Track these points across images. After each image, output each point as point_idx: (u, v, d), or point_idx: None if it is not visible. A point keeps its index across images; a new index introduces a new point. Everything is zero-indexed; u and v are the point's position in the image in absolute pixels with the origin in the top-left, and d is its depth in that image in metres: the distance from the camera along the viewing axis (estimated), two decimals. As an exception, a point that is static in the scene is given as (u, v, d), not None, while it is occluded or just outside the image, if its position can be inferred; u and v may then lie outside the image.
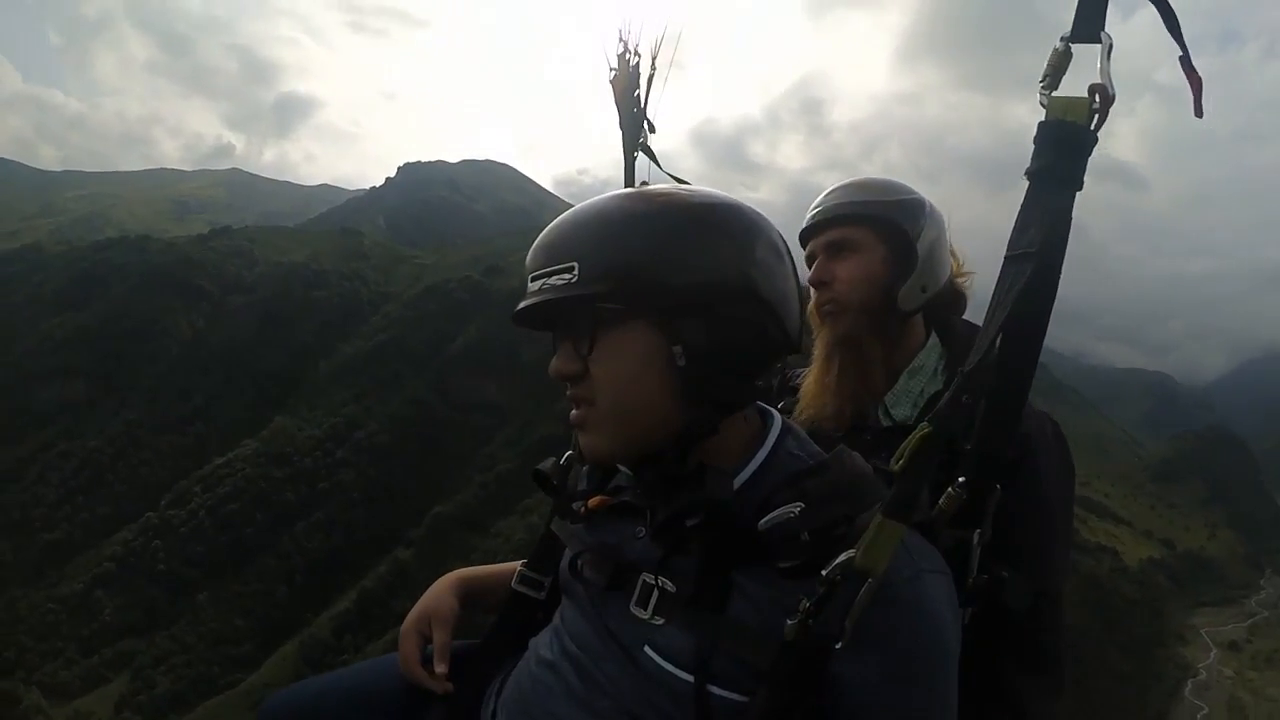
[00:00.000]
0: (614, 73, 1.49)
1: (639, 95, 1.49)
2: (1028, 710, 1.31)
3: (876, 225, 1.54)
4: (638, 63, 1.46)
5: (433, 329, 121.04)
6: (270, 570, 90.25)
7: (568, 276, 0.95)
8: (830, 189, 1.62)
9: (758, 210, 1.03)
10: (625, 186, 1.36)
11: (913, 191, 1.58)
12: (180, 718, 70.26)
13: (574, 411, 1.03)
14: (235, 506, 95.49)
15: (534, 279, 0.99)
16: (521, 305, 1.00)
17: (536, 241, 1.01)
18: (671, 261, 0.94)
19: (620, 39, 1.45)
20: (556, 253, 0.98)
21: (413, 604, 1.38)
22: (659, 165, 1.53)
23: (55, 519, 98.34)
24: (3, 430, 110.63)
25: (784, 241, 1.05)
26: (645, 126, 1.51)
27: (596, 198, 1.03)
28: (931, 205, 1.58)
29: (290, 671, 72.82)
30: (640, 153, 1.52)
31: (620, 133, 1.52)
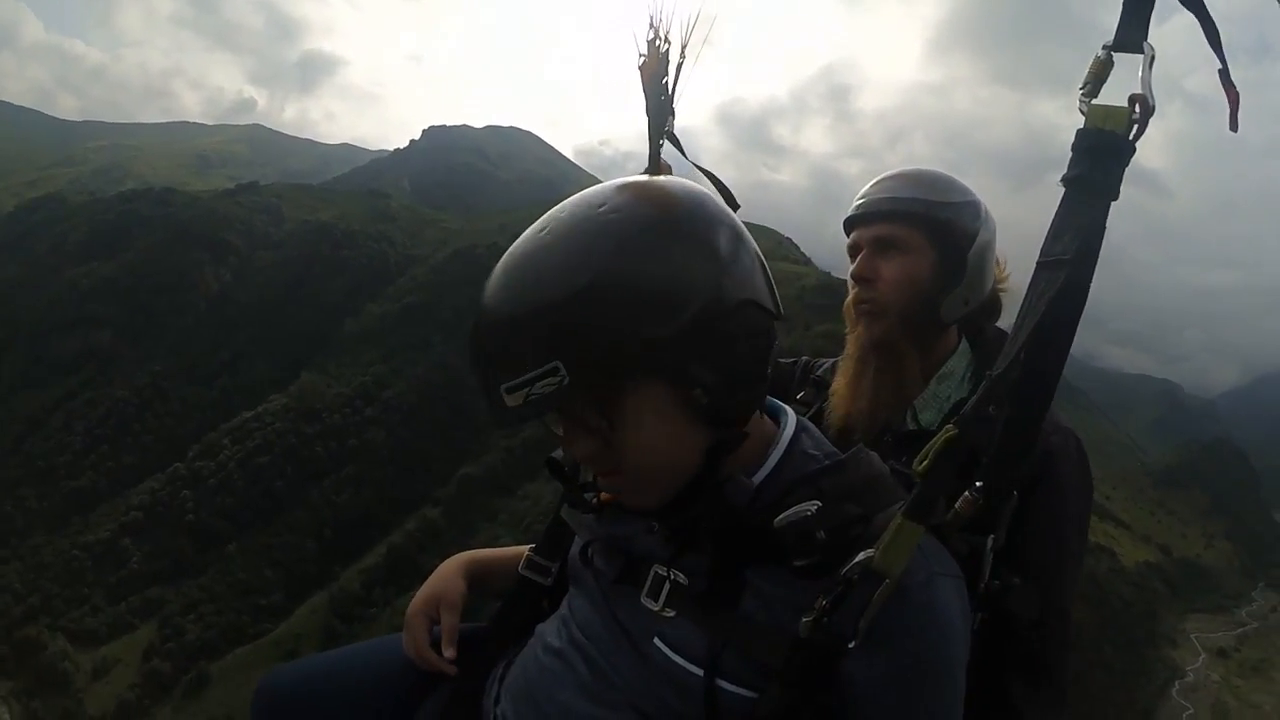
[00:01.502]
0: (643, 59, 1.45)
1: (667, 82, 1.46)
2: None
3: (930, 228, 1.47)
4: (668, 49, 1.43)
5: (461, 294, 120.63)
6: (300, 524, 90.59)
7: (555, 381, 0.86)
8: (883, 177, 1.55)
9: (704, 196, 0.99)
10: (649, 173, 1.34)
11: (969, 192, 1.51)
12: (210, 665, 71.04)
13: (603, 480, 1.03)
14: (265, 460, 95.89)
15: (510, 389, 0.88)
16: (512, 420, 0.90)
17: (488, 329, 0.91)
18: (657, 315, 0.87)
19: (651, 25, 1.42)
20: (529, 354, 0.87)
21: (441, 561, 1.39)
22: (684, 153, 1.50)
23: (80, 467, 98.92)
24: (26, 377, 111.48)
25: (734, 218, 1.00)
26: (671, 113, 1.49)
27: (538, 236, 0.94)
28: (986, 209, 1.53)
29: (320, 622, 74.35)
30: (665, 140, 1.50)
31: (646, 119, 1.49)
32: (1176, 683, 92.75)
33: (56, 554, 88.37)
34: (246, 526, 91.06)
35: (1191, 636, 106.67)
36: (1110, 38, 0.92)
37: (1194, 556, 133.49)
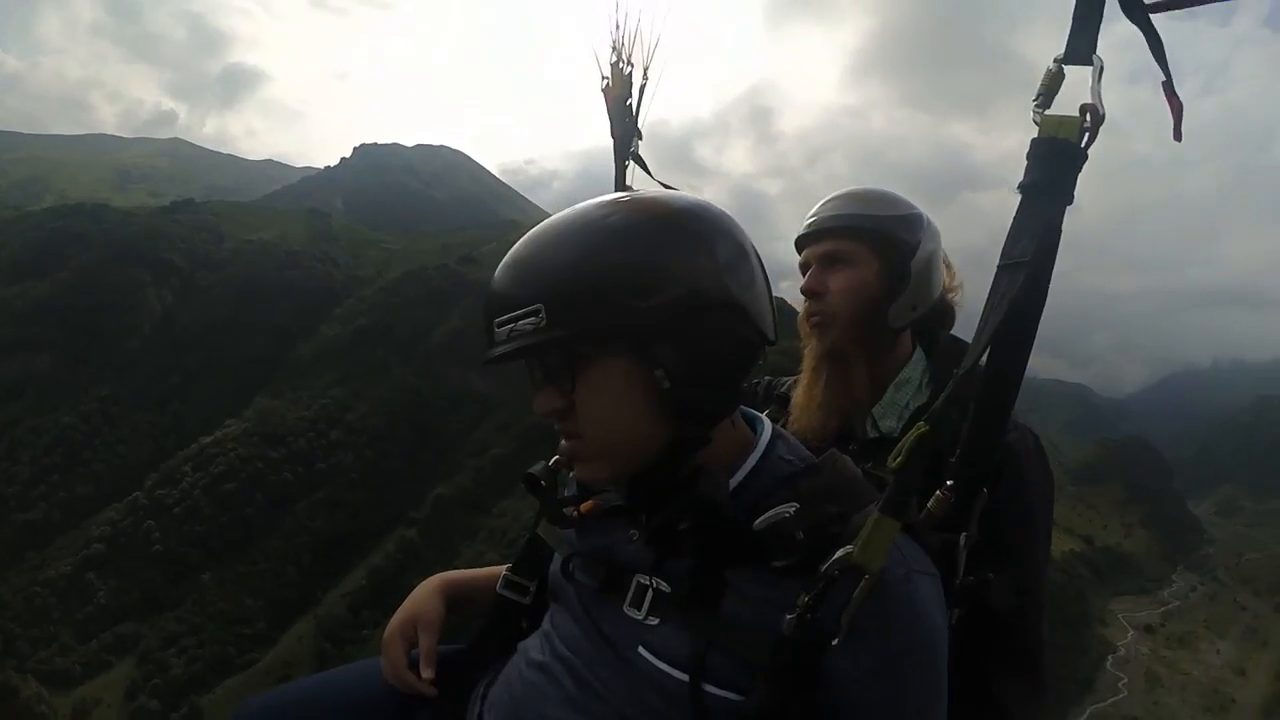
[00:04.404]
0: (607, 82, 1.48)
1: (631, 105, 1.49)
2: (1012, 713, 1.33)
3: (872, 240, 1.54)
4: (630, 72, 1.45)
5: (414, 315, 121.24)
6: (275, 550, 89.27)
7: (534, 320, 0.94)
8: (828, 198, 1.63)
9: (719, 209, 1.03)
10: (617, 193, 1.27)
11: (911, 206, 1.59)
12: (201, 699, 69.25)
13: (563, 443, 1.04)
14: (232, 486, 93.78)
15: (499, 323, 0.97)
16: (494, 354, 0.98)
17: (495, 277, 1.00)
18: (638, 288, 0.93)
19: (614, 49, 1.44)
20: (519, 295, 0.96)
21: (423, 581, 1.41)
22: (649, 173, 1.54)
23: (30, 498, 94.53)
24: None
25: (747, 237, 1.04)
26: (636, 135, 1.52)
27: (552, 218, 1.02)
28: (929, 220, 1.59)
29: (310, 647, 73.99)
30: (630, 161, 1.53)
31: (611, 141, 1.52)
32: (1110, 657, 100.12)
33: (14, 591, 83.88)
34: (219, 555, 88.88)
35: (1119, 616, 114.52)
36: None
37: (1115, 545, 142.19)
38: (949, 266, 1.66)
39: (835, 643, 0.87)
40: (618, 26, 1.51)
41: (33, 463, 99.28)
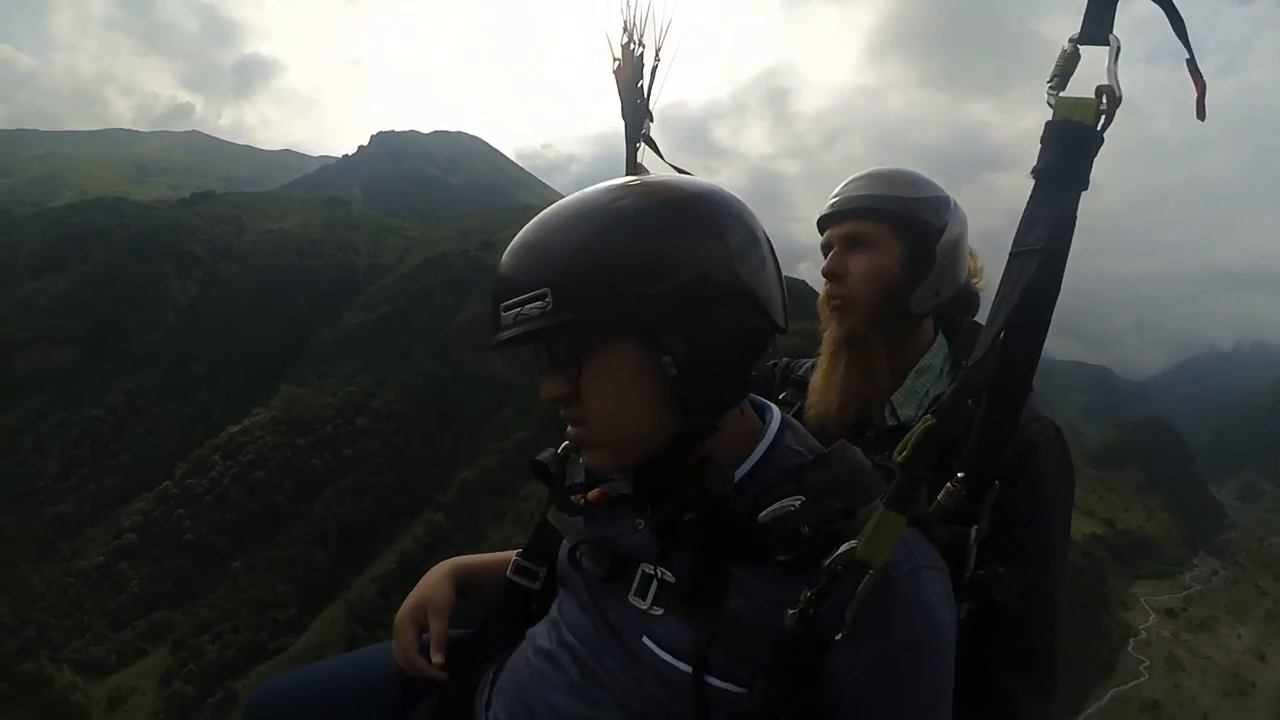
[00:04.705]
0: (617, 63, 1.47)
1: (642, 86, 1.48)
2: (1019, 712, 1.30)
3: (896, 223, 1.49)
4: (642, 53, 1.44)
5: (436, 302, 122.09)
6: (305, 536, 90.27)
7: (540, 305, 0.92)
8: (853, 177, 1.57)
9: (730, 194, 1.01)
10: (627, 175, 1.29)
11: (938, 188, 1.53)
12: (236, 684, 69.65)
13: (570, 429, 1.02)
14: (261, 474, 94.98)
15: (506, 307, 0.95)
16: (500, 338, 0.96)
17: (503, 261, 0.98)
18: (647, 274, 0.91)
19: (625, 29, 1.43)
20: (526, 279, 0.94)
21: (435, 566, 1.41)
22: (661, 155, 1.52)
23: (60, 490, 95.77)
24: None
25: (758, 222, 1.02)
26: (648, 116, 1.51)
27: (560, 202, 1.00)
28: (955, 203, 1.53)
29: (341, 631, 74.37)
30: (641, 143, 1.51)
31: (622, 122, 1.51)
32: (1131, 640, 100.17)
33: (47, 582, 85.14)
34: (250, 542, 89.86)
35: (1141, 599, 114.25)
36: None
37: (1136, 528, 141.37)
38: (972, 254, 1.60)
39: (838, 639, 0.86)
40: (629, 5, 1.48)
41: (62, 455, 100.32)
